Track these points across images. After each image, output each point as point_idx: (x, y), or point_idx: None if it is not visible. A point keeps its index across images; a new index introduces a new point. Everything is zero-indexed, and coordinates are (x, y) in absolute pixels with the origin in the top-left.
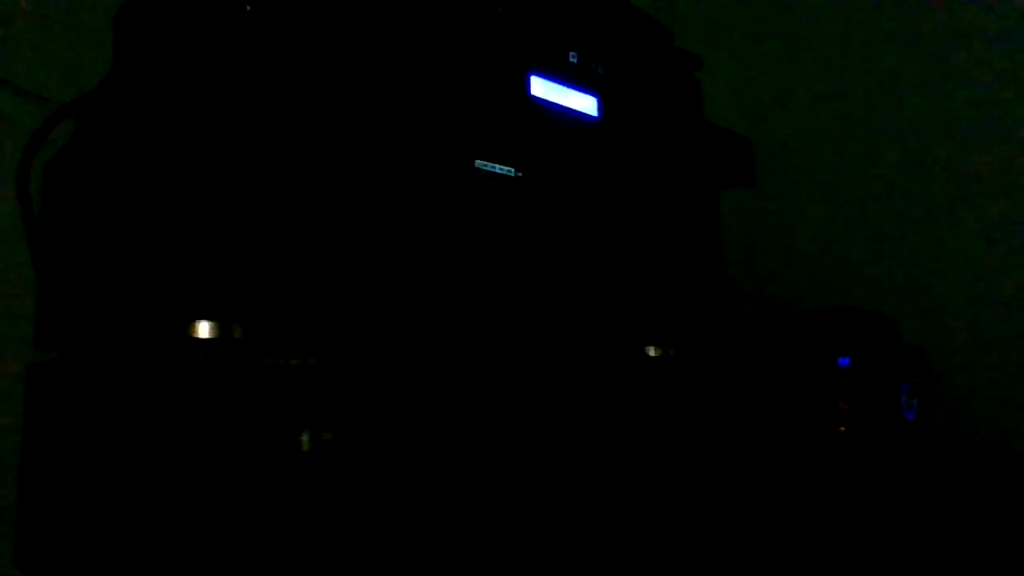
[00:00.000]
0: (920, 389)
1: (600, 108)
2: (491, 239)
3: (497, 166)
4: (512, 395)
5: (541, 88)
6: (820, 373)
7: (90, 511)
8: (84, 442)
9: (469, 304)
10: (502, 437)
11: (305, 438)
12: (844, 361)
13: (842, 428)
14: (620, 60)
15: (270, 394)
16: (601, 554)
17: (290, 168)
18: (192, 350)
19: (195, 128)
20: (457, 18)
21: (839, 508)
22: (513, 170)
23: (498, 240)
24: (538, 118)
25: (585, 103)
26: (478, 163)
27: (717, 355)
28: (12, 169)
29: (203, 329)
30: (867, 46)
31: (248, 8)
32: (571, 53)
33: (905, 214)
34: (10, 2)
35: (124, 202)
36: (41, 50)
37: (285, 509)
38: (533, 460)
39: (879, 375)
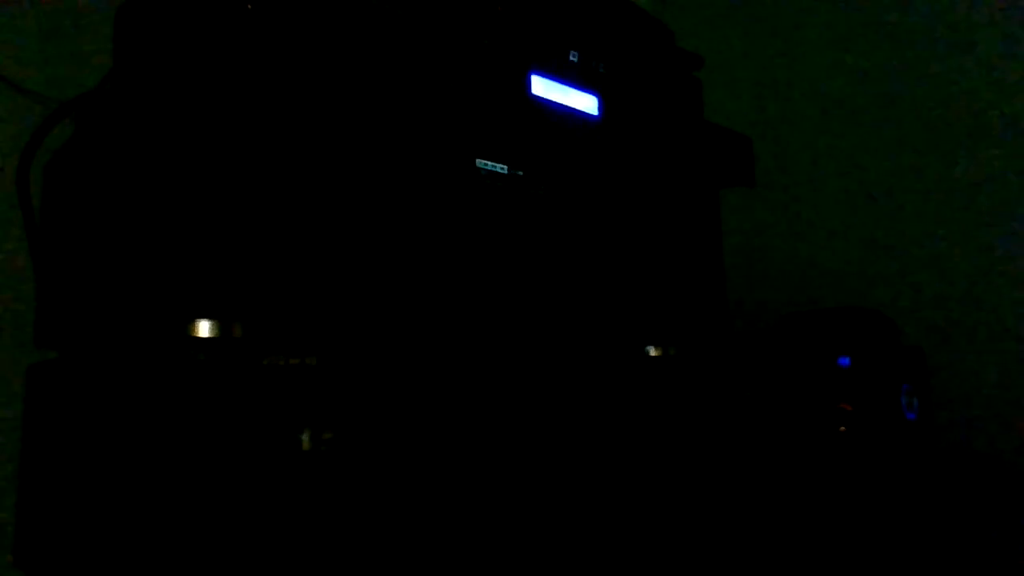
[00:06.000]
0: (920, 389)
1: (601, 107)
2: (492, 238)
3: (498, 165)
4: (513, 394)
5: (542, 87)
6: (820, 373)
7: (90, 511)
8: (84, 442)
9: (470, 303)
10: (502, 437)
11: (305, 438)
12: (844, 361)
13: (842, 428)
14: (621, 59)
15: (270, 394)
16: (601, 554)
17: (290, 167)
18: (192, 349)
19: (195, 127)
20: (458, 17)
21: (839, 508)
22: (514, 169)
23: (499, 239)
24: (539, 117)
25: (586, 102)
26: (479, 162)
27: (717, 355)
28: (12, 169)
29: (203, 328)
30: (868, 45)
31: (249, 7)
32: (572, 52)
33: (905, 214)
34: (11, 1)
35: (124, 201)
36: (41, 50)
37: (285, 509)
38: (534, 459)
39: (879, 375)
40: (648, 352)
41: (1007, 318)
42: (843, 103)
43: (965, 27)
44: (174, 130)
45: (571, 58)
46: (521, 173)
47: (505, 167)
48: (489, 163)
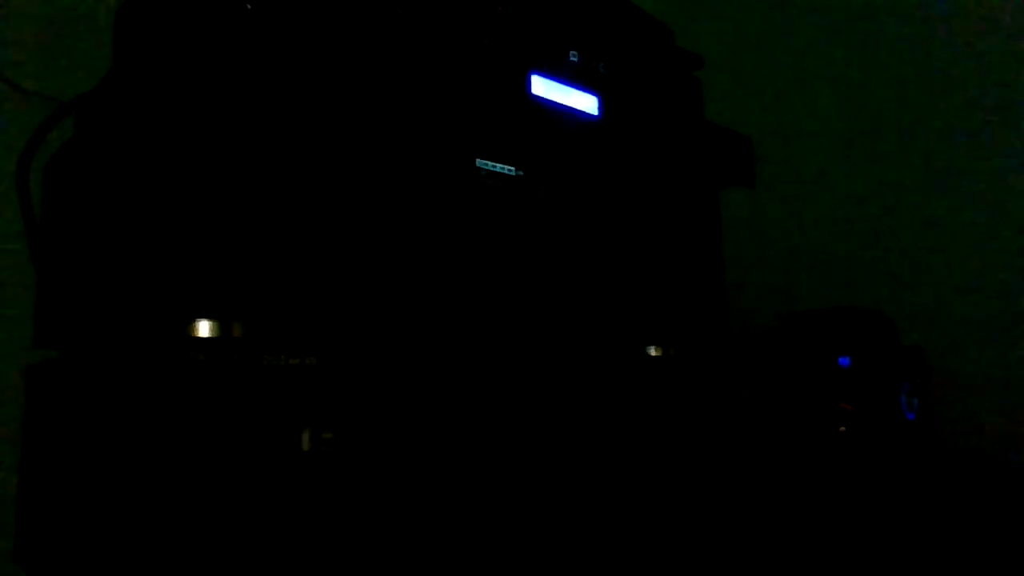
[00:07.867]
0: (920, 389)
1: (601, 107)
2: (491, 238)
3: (498, 165)
4: (513, 395)
5: (542, 87)
6: (820, 373)
7: (90, 510)
8: (84, 441)
9: (470, 303)
10: (502, 437)
11: (305, 438)
12: (844, 361)
13: (842, 428)
14: (621, 59)
15: (270, 394)
16: (601, 554)
17: (290, 167)
18: (192, 349)
19: (195, 127)
20: (458, 17)
21: (839, 508)
22: (514, 169)
23: (499, 239)
24: (539, 117)
25: (586, 102)
26: (479, 162)
27: (717, 355)
28: (12, 169)
29: (203, 328)
30: (868, 45)
31: (249, 7)
32: (572, 52)
33: (905, 214)
34: (10, 1)
35: (124, 201)
36: (41, 50)
37: (285, 509)
38: (533, 460)
39: (879, 375)
40: (648, 352)
41: (1007, 317)
42: (845, 102)
43: (968, 26)
44: (174, 130)
45: (571, 58)
46: (521, 173)
47: (505, 167)
48: (489, 163)
